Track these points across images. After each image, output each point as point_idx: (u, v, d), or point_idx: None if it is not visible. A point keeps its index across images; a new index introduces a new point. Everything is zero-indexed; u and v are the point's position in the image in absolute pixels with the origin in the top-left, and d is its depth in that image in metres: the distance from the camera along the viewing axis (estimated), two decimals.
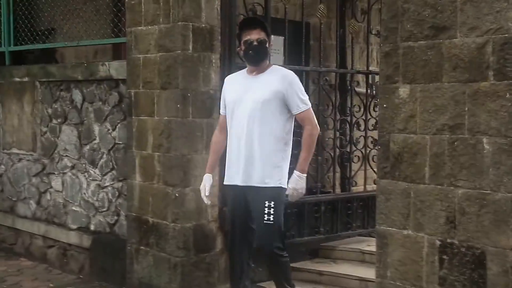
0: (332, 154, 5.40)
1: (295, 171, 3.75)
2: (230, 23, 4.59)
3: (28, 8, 6.29)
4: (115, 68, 5.11)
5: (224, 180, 3.92)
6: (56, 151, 5.71)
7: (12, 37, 6.38)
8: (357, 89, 5.60)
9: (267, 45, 3.77)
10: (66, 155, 5.60)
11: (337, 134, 5.47)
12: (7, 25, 6.38)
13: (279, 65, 4.11)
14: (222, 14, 4.57)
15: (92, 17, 5.68)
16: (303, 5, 5.13)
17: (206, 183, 3.94)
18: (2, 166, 6.32)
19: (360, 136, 5.60)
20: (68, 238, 5.58)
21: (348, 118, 5.55)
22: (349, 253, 5.23)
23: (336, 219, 5.32)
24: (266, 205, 3.67)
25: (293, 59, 5.35)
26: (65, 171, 5.63)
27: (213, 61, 4.55)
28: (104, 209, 5.28)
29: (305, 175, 3.76)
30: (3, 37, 6.46)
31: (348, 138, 5.54)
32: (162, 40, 4.55)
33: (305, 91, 5.28)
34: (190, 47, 4.44)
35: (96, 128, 5.32)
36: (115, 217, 5.19)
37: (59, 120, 5.67)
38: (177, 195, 4.46)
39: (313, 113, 3.79)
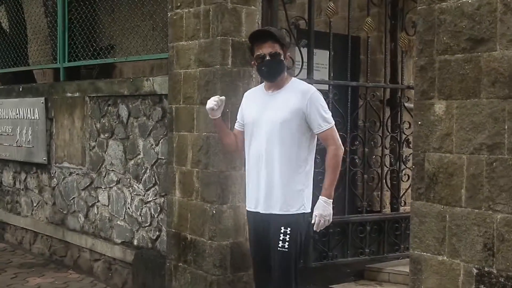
0: (379, 172, 5.19)
1: (320, 197, 3.45)
2: None
3: (89, 26, 6.43)
4: (158, 83, 5.12)
5: (246, 206, 3.67)
6: (103, 166, 5.76)
7: (66, 53, 6.52)
8: (407, 104, 5.38)
9: (281, 57, 3.48)
10: (113, 170, 5.64)
11: (385, 151, 5.26)
12: (62, 42, 6.54)
13: (301, 79, 3.86)
14: None
15: (148, 33, 5.74)
16: (349, 19, 4.97)
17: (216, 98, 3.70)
18: (55, 180, 6.45)
19: (410, 154, 5.34)
20: (113, 252, 5.61)
21: (397, 135, 5.33)
22: (395, 275, 4.99)
23: (382, 239, 5.11)
24: (282, 231, 3.38)
25: (340, 74, 5.21)
26: (111, 186, 5.67)
27: (253, 76, 4.46)
28: (147, 224, 5.27)
29: (332, 200, 3.46)
30: (59, 54, 6.62)
31: (397, 155, 5.32)
32: (202, 55, 4.52)
33: (353, 106, 5.26)
34: (230, 61, 4.38)
35: (140, 143, 5.33)
36: (157, 233, 5.16)
37: (106, 135, 5.72)
38: (214, 212, 4.38)
39: (337, 132, 3.51)
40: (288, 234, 3.38)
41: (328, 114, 3.48)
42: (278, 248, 3.38)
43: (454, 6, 2.91)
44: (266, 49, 3.45)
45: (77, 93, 6.10)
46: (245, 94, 3.80)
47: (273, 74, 3.51)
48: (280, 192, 3.43)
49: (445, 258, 2.93)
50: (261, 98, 3.58)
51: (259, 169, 3.49)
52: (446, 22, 2.94)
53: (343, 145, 3.52)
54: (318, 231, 3.49)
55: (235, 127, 3.83)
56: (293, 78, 3.59)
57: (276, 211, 3.45)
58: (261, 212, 3.52)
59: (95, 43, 6.55)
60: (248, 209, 3.64)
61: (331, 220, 3.47)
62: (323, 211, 3.43)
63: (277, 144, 3.43)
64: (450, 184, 2.90)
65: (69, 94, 6.22)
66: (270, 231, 3.48)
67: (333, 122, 3.48)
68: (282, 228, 3.40)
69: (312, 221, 3.43)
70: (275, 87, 3.55)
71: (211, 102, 3.65)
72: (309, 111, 3.42)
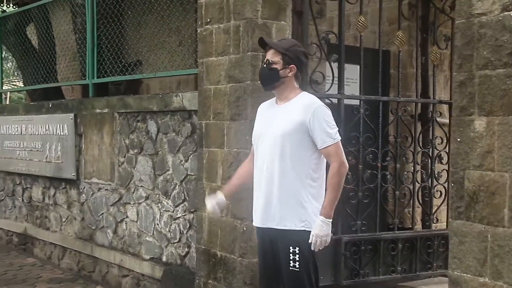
0: (411, 188, 5.09)
1: (319, 216, 3.28)
2: None
3: (117, 42, 6.45)
4: (188, 99, 5.09)
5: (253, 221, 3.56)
6: (132, 181, 5.74)
7: (95, 70, 6.55)
8: (439, 119, 5.28)
9: (276, 66, 3.37)
10: (141, 186, 5.61)
11: (417, 167, 5.15)
12: (91, 58, 6.57)
13: (317, 94, 3.76)
14: None
15: (176, 48, 5.75)
16: (380, 33, 4.90)
17: (213, 197, 3.62)
18: (83, 195, 6.44)
19: (442, 170, 5.25)
20: (141, 268, 5.56)
21: (429, 151, 5.23)
22: None
23: (415, 257, 4.99)
24: (291, 250, 3.27)
25: (371, 89, 5.13)
26: (140, 201, 5.64)
27: None
28: (176, 241, 5.22)
29: (331, 220, 3.28)
30: (88, 70, 6.65)
31: (429, 171, 5.21)
32: (232, 70, 4.48)
33: (384, 122, 5.17)
34: None
35: (169, 159, 5.30)
36: (186, 249, 5.11)
37: (135, 151, 5.70)
38: (245, 228, 4.32)
39: (341, 148, 3.34)
40: (298, 253, 3.26)
41: (333, 130, 3.32)
42: (290, 268, 3.28)
43: (495, 19, 2.83)
44: (267, 56, 3.45)
45: (106, 109, 6.10)
46: (260, 106, 3.68)
47: (264, 82, 3.46)
48: (277, 205, 3.33)
49: (487, 280, 2.82)
50: (270, 111, 3.52)
51: (260, 183, 3.41)
52: (486, 36, 2.86)
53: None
54: (316, 250, 3.30)
55: (252, 143, 3.66)
56: (303, 92, 3.47)
57: (272, 224, 3.34)
58: (259, 226, 3.45)
59: (123, 59, 6.57)
60: (255, 224, 3.55)
61: (328, 241, 3.29)
62: (320, 231, 3.25)
63: (278, 157, 3.32)
64: (492, 203, 2.80)
65: (98, 110, 6.22)
66: (277, 249, 3.38)
67: (339, 138, 3.33)
68: (291, 247, 3.28)
69: (310, 240, 3.27)
70: (282, 98, 3.46)
71: (211, 207, 3.60)
72: (312, 125, 3.29)
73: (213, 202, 3.61)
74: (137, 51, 6.67)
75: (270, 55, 3.40)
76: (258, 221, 3.45)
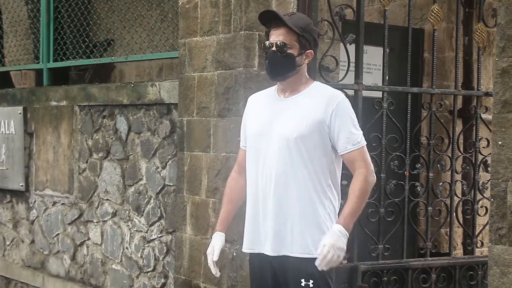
0: (448, 203, 5.15)
1: (335, 225, 3.29)
2: None
3: (81, 15, 6.53)
4: (166, 90, 5.18)
5: (243, 246, 3.53)
6: (95, 194, 5.83)
7: (51, 51, 6.63)
8: (484, 116, 5.34)
9: (291, 51, 3.35)
10: (107, 199, 5.70)
11: (456, 177, 5.22)
12: (46, 36, 6.65)
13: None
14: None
15: (157, 25, 5.83)
16: (410, 6, 4.95)
17: (216, 245, 3.56)
18: (34, 211, 6.52)
19: (488, 180, 5.31)
20: None
21: (472, 156, 5.29)
22: None
23: None
24: (303, 284, 3.29)
25: (398, 78, 5.20)
26: (105, 219, 5.72)
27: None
28: (150, 269, 5.30)
29: (348, 233, 3.29)
30: (42, 51, 6.72)
31: (471, 182, 5.27)
32: (221, 54, 4.56)
33: (415, 119, 5.23)
34: (256, 63, 4.42)
35: (143, 165, 5.39)
36: (162, 280, 5.19)
37: (100, 155, 5.80)
38: (234, 254, 4.39)
39: (368, 153, 3.40)
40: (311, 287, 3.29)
41: (358, 131, 3.38)
42: None
43: None
44: (275, 37, 3.36)
45: (64, 101, 6.19)
46: (249, 98, 3.66)
47: (275, 71, 3.39)
48: (297, 228, 3.32)
49: None
50: (271, 104, 3.47)
51: (266, 199, 3.36)
52: None
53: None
54: (321, 269, 3.25)
55: (240, 147, 3.67)
56: (314, 82, 3.51)
57: (290, 252, 3.33)
58: (268, 254, 3.39)
59: (88, 38, 6.64)
60: (248, 250, 3.49)
61: (341, 259, 3.29)
62: (336, 241, 3.23)
63: (291, 167, 3.33)
64: None
65: (54, 103, 6.31)
66: (282, 282, 3.37)
67: (364, 142, 3.40)
68: (303, 281, 3.29)
69: (318, 251, 3.24)
70: (290, 90, 3.43)
71: (211, 265, 3.60)
72: (334, 125, 3.33)
73: (216, 250, 3.56)
74: (108, 28, 6.72)
75: (283, 36, 3.34)
76: (266, 248, 3.39)
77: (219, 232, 3.63)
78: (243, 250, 3.56)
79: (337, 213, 3.42)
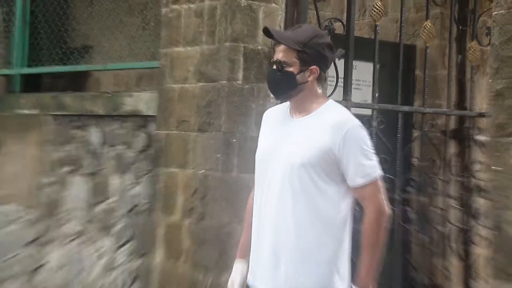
0: (443, 232, 5.15)
1: (353, 286, 3.18)
2: None
3: (58, 20, 6.48)
4: (145, 101, 5.16)
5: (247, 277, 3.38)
6: (60, 211, 5.74)
7: (26, 56, 6.57)
8: (478, 138, 5.37)
9: (292, 70, 3.26)
10: (73, 217, 5.61)
11: (450, 201, 5.23)
12: (21, 41, 6.59)
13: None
14: None
15: (138, 33, 5.82)
16: (401, 22, 4.99)
17: (236, 276, 3.42)
18: None
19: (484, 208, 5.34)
20: None
21: (466, 180, 5.32)
22: None
23: None
24: None
25: (389, 95, 5.21)
26: (69, 240, 5.63)
27: (270, 94, 4.48)
28: None
29: None
30: (15, 56, 6.67)
31: (466, 208, 5.30)
32: (204, 66, 4.57)
33: (405, 139, 5.22)
34: (240, 76, 4.43)
35: (115, 181, 5.34)
36: None
37: (69, 168, 5.73)
38: (210, 282, 4.36)
39: (382, 189, 3.20)
40: None
41: (372, 161, 3.20)
42: None
43: None
44: (276, 54, 3.31)
45: (35, 110, 6.12)
46: (265, 114, 3.58)
47: (276, 90, 3.36)
48: (292, 267, 3.16)
49: None
50: (282, 125, 3.39)
51: (264, 229, 3.24)
52: None
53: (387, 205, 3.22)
54: None
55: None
56: (329, 100, 3.37)
57: None
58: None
59: (65, 44, 6.60)
60: (249, 282, 3.36)
61: None
62: None
63: (293, 196, 3.19)
64: None
65: (23, 111, 6.24)
66: None
67: (379, 173, 3.21)
68: None
69: None
70: (300, 110, 3.33)
71: None
72: (343, 154, 3.16)
73: (237, 281, 3.40)
74: (86, 34, 6.70)
75: (282, 54, 3.27)
76: (260, 283, 3.26)
77: (239, 260, 3.49)
78: (247, 281, 3.38)
79: (347, 249, 3.24)
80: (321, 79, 3.34)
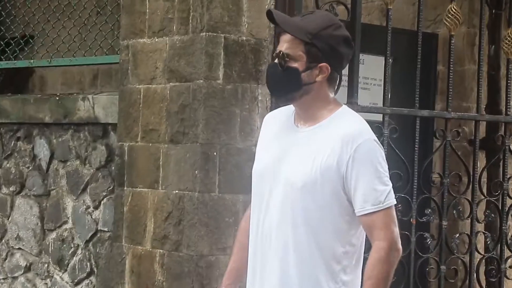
0: (466, 261, 5.23)
1: None
2: None
3: None
4: (102, 106, 5.23)
5: None
6: (3, 241, 5.81)
7: None
8: None
9: (297, 66, 3.25)
10: (19, 248, 5.68)
11: (478, 227, 5.30)
12: None
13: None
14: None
15: (91, 20, 5.85)
16: (420, 5, 5.04)
17: None
18: None
19: None
20: None
21: (498, 200, 5.38)
22: None
23: None
24: None
25: (404, 97, 5.28)
26: (15, 275, 5.69)
27: (259, 97, 4.57)
28: None
29: None
30: None
31: (497, 234, 5.36)
32: (175, 61, 4.63)
33: (425, 150, 5.28)
34: (221, 74, 4.50)
35: (69, 203, 5.40)
36: None
37: (11, 189, 5.80)
38: None
39: (395, 219, 3.21)
40: None
41: (387, 187, 3.21)
42: None
43: None
44: (281, 45, 3.30)
45: None
46: (266, 117, 3.58)
47: (275, 89, 3.39)
48: None
49: None
50: (285, 134, 3.40)
51: (262, 256, 3.31)
52: None
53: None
54: None
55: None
56: (342, 106, 3.36)
57: None
58: None
59: (1, 32, 6.63)
60: None
61: None
62: None
63: (292, 224, 3.24)
64: None
65: None
66: None
67: (392, 201, 3.22)
68: None
69: None
70: (306, 117, 3.34)
71: None
72: (351, 175, 3.18)
73: None
74: (25, 21, 6.72)
75: (287, 44, 3.26)
76: None
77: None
78: None
79: (358, 283, 3.30)
80: (332, 81, 3.29)
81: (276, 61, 3.27)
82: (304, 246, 3.21)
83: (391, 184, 3.21)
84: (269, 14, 3.34)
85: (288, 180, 3.24)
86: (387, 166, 3.22)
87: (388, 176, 3.21)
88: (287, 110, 3.44)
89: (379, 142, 3.27)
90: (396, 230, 3.18)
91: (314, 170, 3.18)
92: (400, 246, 3.19)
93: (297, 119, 3.36)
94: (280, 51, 3.24)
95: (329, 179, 3.17)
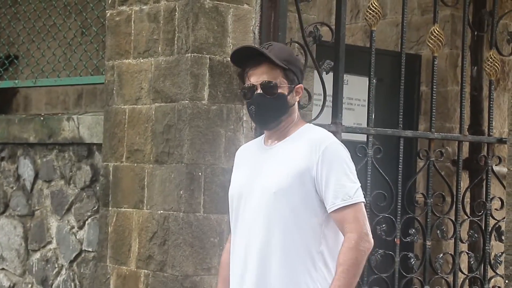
0: (450, 281, 5.24)
1: None
2: None
3: None
4: (87, 126, 5.23)
5: None
6: None
7: None
8: (497, 169, 5.45)
9: (283, 91, 3.47)
10: (3, 268, 5.66)
11: (461, 247, 5.31)
12: None
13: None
14: (262, 41, 4.60)
15: (76, 40, 5.83)
16: (403, 26, 5.06)
17: None
18: None
19: (502, 253, 5.42)
20: None
21: (482, 220, 5.39)
22: None
23: None
24: None
25: (388, 117, 5.30)
26: None
27: (244, 117, 4.58)
28: None
29: None
30: None
31: (480, 254, 5.37)
32: (161, 82, 4.64)
33: (408, 170, 5.28)
34: (205, 95, 4.51)
35: (53, 224, 5.39)
36: None
37: None
38: None
39: (365, 213, 3.42)
40: None
41: (355, 184, 3.41)
42: None
43: None
44: (257, 77, 3.48)
45: None
46: (237, 152, 3.79)
47: (265, 117, 3.52)
48: None
49: None
50: (254, 157, 3.63)
51: (244, 268, 3.47)
52: None
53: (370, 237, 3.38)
54: None
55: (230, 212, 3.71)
56: (306, 124, 3.62)
57: None
58: None
59: None
60: None
61: None
62: None
63: (269, 228, 3.43)
64: None
65: None
66: None
67: (361, 198, 3.41)
68: None
69: None
70: (277, 135, 3.56)
71: None
72: (321, 175, 3.39)
73: None
74: (10, 41, 6.72)
75: (267, 74, 3.47)
76: None
77: None
78: None
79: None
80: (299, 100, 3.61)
81: (259, 91, 3.46)
82: (280, 245, 3.39)
83: (359, 183, 3.44)
84: (246, 49, 3.58)
85: (263, 187, 3.45)
86: (354, 167, 3.45)
87: (356, 175, 3.42)
88: (253, 142, 3.75)
89: (344, 146, 3.48)
90: (367, 224, 3.41)
91: (287, 176, 3.40)
92: (371, 239, 3.40)
93: (266, 140, 3.60)
94: (263, 81, 3.45)
95: (302, 183, 3.40)
